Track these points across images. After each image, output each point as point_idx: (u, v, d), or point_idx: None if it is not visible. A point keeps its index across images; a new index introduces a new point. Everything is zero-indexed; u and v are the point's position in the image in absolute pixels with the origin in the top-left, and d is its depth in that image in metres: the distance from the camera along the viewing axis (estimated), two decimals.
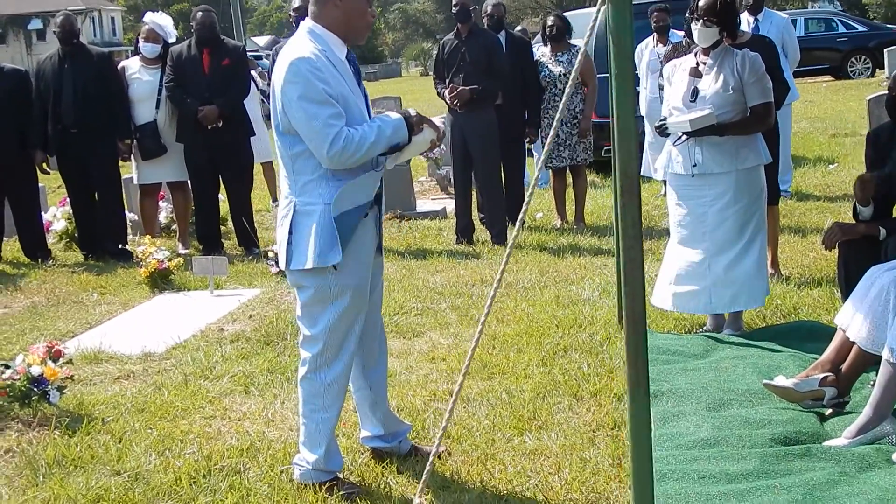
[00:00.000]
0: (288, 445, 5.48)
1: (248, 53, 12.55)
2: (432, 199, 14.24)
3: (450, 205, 12.51)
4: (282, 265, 4.97)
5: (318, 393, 4.94)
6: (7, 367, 6.18)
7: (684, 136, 6.98)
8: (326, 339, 4.88)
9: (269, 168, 14.72)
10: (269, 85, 12.13)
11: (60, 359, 6.26)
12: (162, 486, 5.06)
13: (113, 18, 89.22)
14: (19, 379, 6.02)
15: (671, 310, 7.31)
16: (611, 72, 3.03)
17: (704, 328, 7.35)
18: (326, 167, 4.70)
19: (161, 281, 9.54)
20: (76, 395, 6.44)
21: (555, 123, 4.70)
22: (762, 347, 6.80)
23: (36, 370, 6.03)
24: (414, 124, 4.87)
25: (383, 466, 5.23)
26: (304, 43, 4.75)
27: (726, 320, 7.27)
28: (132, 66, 11.39)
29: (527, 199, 4.48)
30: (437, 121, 5.05)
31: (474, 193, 11.38)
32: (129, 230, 11.76)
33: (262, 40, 70.68)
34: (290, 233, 4.80)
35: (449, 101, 10.75)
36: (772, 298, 7.63)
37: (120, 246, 10.81)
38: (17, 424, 5.97)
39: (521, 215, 4.58)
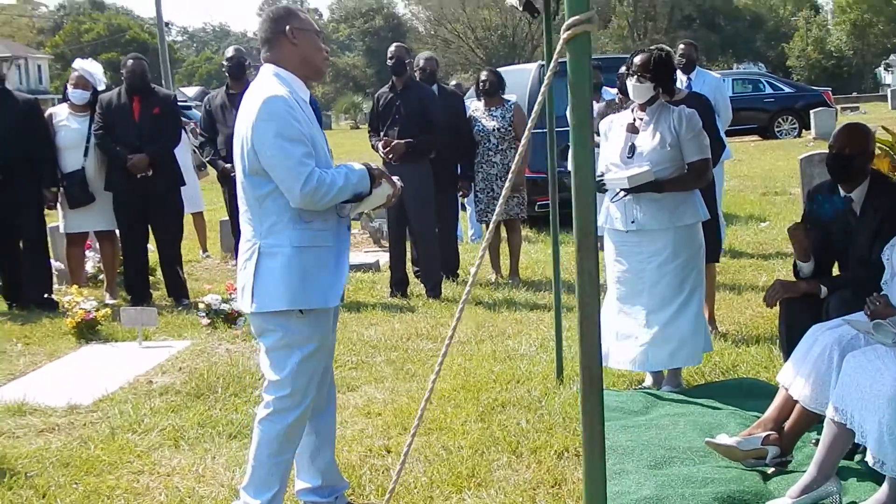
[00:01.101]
0: (219, 502, 5.30)
1: (178, 103, 12.38)
2: (364, 252, 14.12)
3: (383, 257, 12.40)
4: (244, 308, 4.87)
5: (278, 436, 4.86)
6: None
7: (622, 193, 6.95)
8: (292, 383, 4.81)
9: (199, 218, 14.56)
10: (199, 136, 12.04)
11: None
12: None
13: (39, 66, 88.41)
14: None
15: (609, 366, 7.22)
16: (570, 123, 2.92)
17: (643, 384, 7.28)
18: (296, 206, 4.66)
19: (88, 331, 9.30)
20: None
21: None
22: (702, 405, 6.74)
23: None
24: (375, 177, 4.86)
25: None
26: (272, 84, 4.73)
27: (665, 377, 7.21)
28: (60, 113, 11.18)
29: (480, 254, 4.39)
30: (395, 178, 5.01)
31: (408, 246, 11.30)
32: (55, 279, 11.50)
33: (191, 91, 70.44)
34: (255, 275, 4.73)
35: (383, 154, 10.67)
36: (710, 355, 7.59)
37: (45, 295, 10.55)
38: None
39: (475, 269, 4.47)
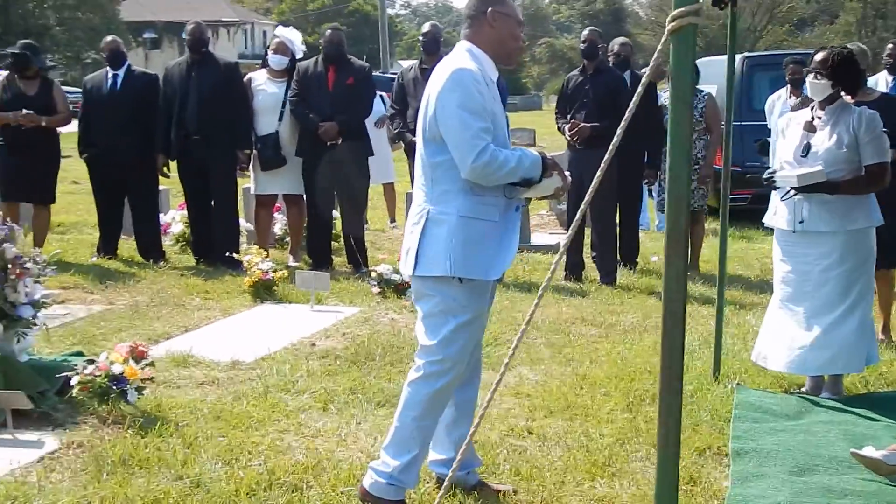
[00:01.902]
0: (354, 467, 5.41)
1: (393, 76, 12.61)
2: (549, 233, 14.12)
3: (564, 240, 12.36)
4: (406, 271, 4.98)
5: (423, 400, 4.94)
6: (91, 362, 6.24)
7: (792, 192, 6.79)
8: (444, 349, 4.89)
9: (389, 188, 14.80)
10: (390, 108, 12.22)
11: (143, 360, 6.29)
12: (221, 496, 5.02)
13: (265, 32, 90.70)
14: (100, 376, 6.06)
15: (769, 367, 7.08)
16: (669, 117, 2.88)
17: (802, 389, 7.12)
18: (465, 178, 4.73)
19: (264, 291, 9.60)
20: (156, 396, 6.47)
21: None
22: (858, 414, 6.56)
23: (117, 369, 6.07)
24: (548, 167, 4.88)
25: (447, 498, 5.12)
26: (464, 58, 4.85)
27: (825, 383, 7.02)
28: (258, 77, 11.53)
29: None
30: (566, 173, 5.04)
31: (588, 232, 11.26)
32: (243, 239, 11.88)
33: (408, 64, 71.28)
34: (421, 240, 4.83)
35: (569, 137, 10.66)
36: (877, 366, 7.36)
37: (230, 254, 10.90)
38: (93, 420, 6.01)
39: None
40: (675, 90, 2.85)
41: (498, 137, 4.81)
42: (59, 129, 11.26)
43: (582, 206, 3.64)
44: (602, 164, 3.22)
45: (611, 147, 3.25)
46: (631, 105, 3.28)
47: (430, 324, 4.93)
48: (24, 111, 10.73)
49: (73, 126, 11.58)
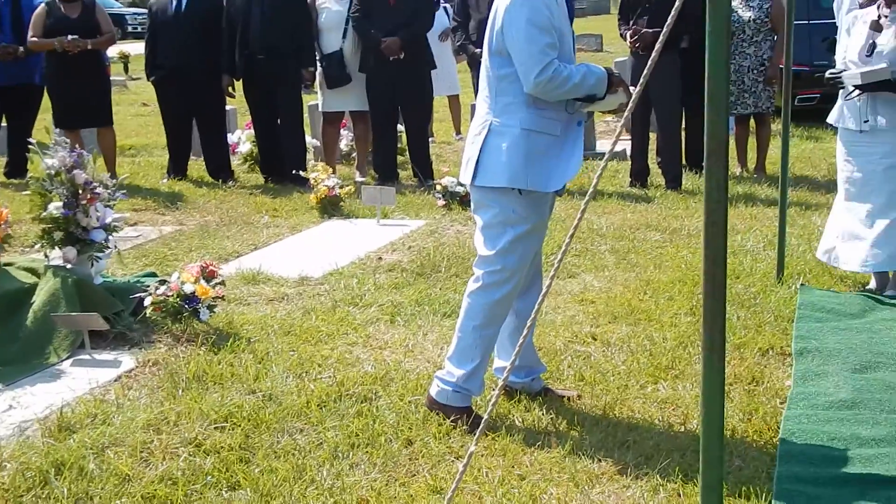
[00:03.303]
0: (421, 376, 5.53)
1: None
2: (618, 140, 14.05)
3: (630, 147, 12.35)
4: (465, 181, 5.04)
5: (483, 310, 5.02)
6: (164, 283, 6.40)
7: (856, 92, 6.74)
8: (502, 260, 4.95)
9: (454, 101, 14.81)
10: (452, 20, 12.20)
11: (214, 279, 6.43)
12: (292, 408, 5.16)
13: None
14: (172, 296, 6.22)
15: (833, 265, 7.10)
16: (706, 29, 2.87)
17: (867, 287, 7.12)
18: (528, 92, 4.77)
19: (331, 207, 9.72)
20: (228, 313, 6.63)
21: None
22: None
23: (189, 288, 6.22)
24: (614, 83, 4.91)
25: (511, 404, 5.23)
26: None
27: (890, 280, 7.02)
28: None
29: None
30: (631, 88, 5.05)
31: (654, 137, 11.23)
32: (311, 156, 11.99)
33: None
34: (482, 150, 4.89)
35: (630, 44, 10.60)
36: None
37: (297, 171, 11.01)
38: (168, 339, 6.18)
39: None
40: (714, 4, 2.85)
41: (564, 53, 4.84)
42: (128, 52, 11.38)
43: (626, 113, 3.64)
44: (645, 70, 3.21)
45: (655, 49, 3.23)
46: (677, 4, 3.23)
47: (488, 234, 4.99)
48: (70, 37, 10.82)
49: (142, 49, 11.70)
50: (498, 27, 4.82)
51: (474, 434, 4.80)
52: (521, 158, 4.80)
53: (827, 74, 6.98)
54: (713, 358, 2.86)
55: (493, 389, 5.38)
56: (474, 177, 4.92)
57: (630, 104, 3.53)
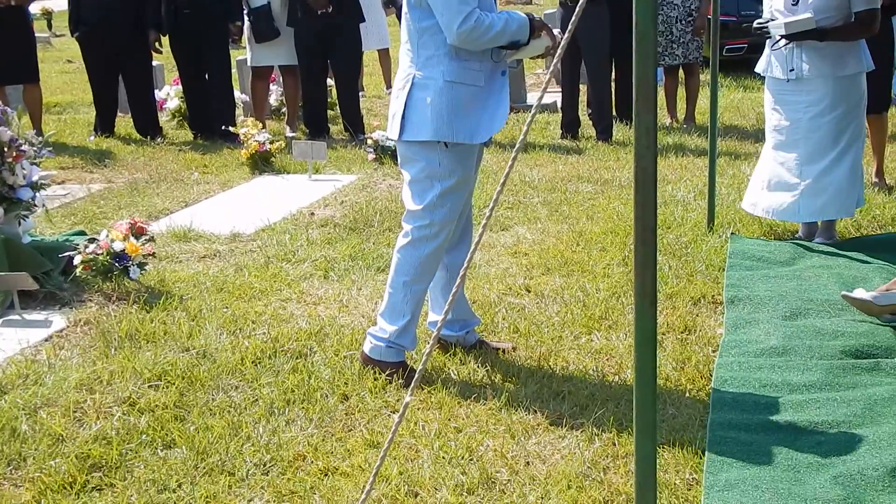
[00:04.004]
0: (356, 332, 5.52)
1: None
2: (547, 92, 14.07)
3: (560, 98, 12.38)
4: (392, 136, 5.01)
5: (413, 265, 5.00)
6: (93, 241, 6.33)
7: (782, 41, 6.78)
8: (430, 214, 4.93)
9: (384, 55, 14.73)
10: None
11: (143, 236, 6.37)
12: (227, 365, 5.13)
13: None
14: (102, 254, 6.15)
15: (760, 215, 7.16)
16: None
17: (796, 235, 7.20)
18: (452, 43, 4.74)
19: (262, 163, 9.66)
20: (159, 271, 6.57)
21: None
22: (851, 258, 6.65)
23: (118, 246, 6.16)
24: (536, 28, 4.88)
25: (447, 357, 5.24)
26: None
27: (818, 228, 7.10)
28: None
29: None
30: (556, 31, 5.02)
31: (584, 88, 11.25)
32: (241, 111, 11.89)
33: None
34: (406, 105, 4.86)
35: None
36: (870, 208, 7.47)
37: (227, 127, 10.91)
38: (99, 298, 6.11)
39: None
40: None
41: (484, 3, 4.80)
42: (51, 8, 11.18)
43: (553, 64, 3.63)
44: (573, 18, 3.18)
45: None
46: None
47: (416, 189, 4.98)
48: None
49: (65, 5, 11.50)
50: None
51: (409, 388, 4.83)
52: (445, 111, 4.79)
53: (754, 24, 7.01)
54: (645, 304, 2.87)
55: (427, 343, 5.39)
56: (401, 132, 4.90)
57: (559, 51, 3.53)
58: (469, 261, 3.39)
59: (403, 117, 4.87)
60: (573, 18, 3.10)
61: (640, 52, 2.80)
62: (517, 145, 3.16)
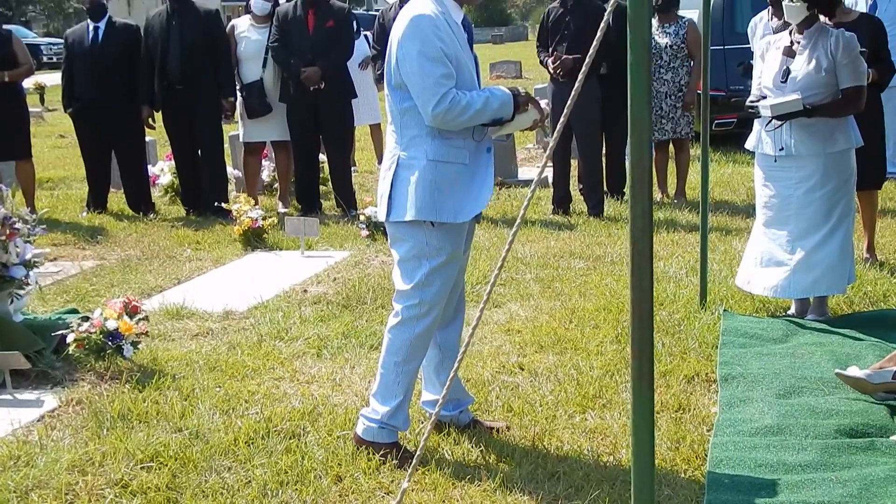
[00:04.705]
0: (349, 411, 5.51)
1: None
2: (537, 167, 14.15)
3: (552, 174, 12.42)
4: (380, 217, 5.04)
5: (404, 345, 5.00)
6: (86, 319, 6.32)
7: (774, 122, 6.83)
8: (420, 294, 4.94)
9: (376, 130, 14.78)
10: (372, 49, 12.21)
11: (137, 315, 6.36)
12: (220, 445, 5.11)
13: None
14: (95, 332, 6.14)
15: (752, 292, 7.18)
16: (628, 61, 2.88)
17: (789, 312, 7.21)
18: (429, 124, 4.78)
19: (254, 239, 9.66)
20: (152, 350, 6.55)
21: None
22: (844, 335, 6.66)
23: (112, 324, 6.16)
24: (521, 103, 4.92)
25: (441, 437, 5.22)
26: (425, 2, 4.82)
27: (811, 305, 7.12)
28: (241, 24, 11.54)
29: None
30: (543, 103, 5.05)
31: (575, 164, 11.30)
32: (233, 186, 11.92)
33: (391, 2, 70.71)
34: (392, 185, 4.89)
35: (552, 70, 10.68)
36: (862, 284, 7.49)
37: (219, 203, 10.94)
38: (91, 377, 6.09)
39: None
40: (635, 36, 2.86)
41: (464, 81, 4.82)
42: (43, 83, 11.23)
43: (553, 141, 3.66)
44: (573, 94, 3.21)
45: (578, 79, 3.24)
46: (599, 34, 3.25)
47: (405, 268, 4.99)
48: None
49: (58, 80, 11.56)
50: (394, 62, 4.82)
51: (404, 468, 4.82)
52: (429, 190, 4.81)
53: (746, 103, 7.08)
54: (642, 386, 2.89)
55: (421, 422, 5.38)
56: (388, 213, 4.92)
57: (558, 127, 3.55)
58: (469, 342, 3.39)
59: (390, 198, 4.90)
60: (569, 101, 3.13)
61: (634, 135, 2.83)
62: (515, 225, 3.17)
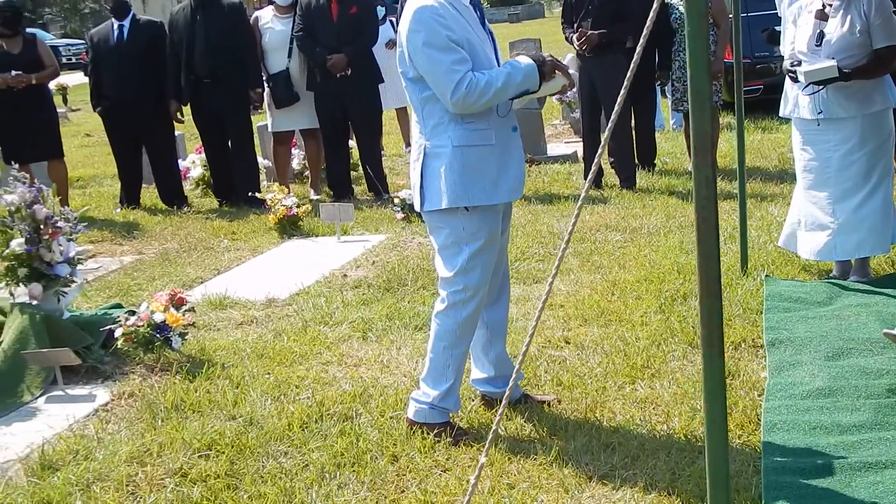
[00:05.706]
0: (400, 392, 5.53)
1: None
2: (565, 143, 14.15)
3: (581, 149, 12.41)
4: (416, 208, 5.05)
5: (451, 329, 5.02)
6: (133, 313, 6.37)
7: (811, 86, 6.80)
8: (464, 279, 4.95)
9: (403, 113, 14.80)
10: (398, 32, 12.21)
11: (183, 306, 6.40)
12: (274, 431, 5.15)
13: None
14: (143, 326, 6.18)
15: (793, 252, 7.18)
16: (686, 31, 2.86)
17: (831, 274, 7.20)
18: (451, 111, 4.77)
19: (290, 227, 9.70)
20: (199, 340, 6.60)
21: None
22: (889, 295, 6.64)
23: (159, 317, 6.19)
24: (546, 72, 4.85)
25: (492, 414, 5.25)
26: None
27: (853, 267, 7.10)
28: (265, 15, 11.55)
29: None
30: (571, 71, 5.01)
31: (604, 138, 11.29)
32: (263, 176, 11.97)
33: None
34: (422, 175, 4.90)
35: (577, 47, 10.66)
36: None
37: (252, 193, 10.98)
38: (141, 369, 6.15)
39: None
40: (691, 5, 2.84)
41: (481, 62, 4.80)
42: (67, 84, 11.27)
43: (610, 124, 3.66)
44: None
45: (633, 61, 3.24)
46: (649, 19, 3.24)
47: (445, 255, 5.00)
48: (13, 72, 10.72)
49: (79, 80, 11.61)
50: (407, 57, 4.80)
51: (458, 446, 4.85)
52: (458, 176, 4.81)
53: (785, 66, 7.03)
54: (713, 354, 2.91)
55: (471, 400, 5.40)
56: (422, 203, 4.94)
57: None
58: (537, 322, 3.41)
59: (422, 188, 4.92)
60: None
61: (695, 104, 2.84)
62: (579, 202, 3.18)
